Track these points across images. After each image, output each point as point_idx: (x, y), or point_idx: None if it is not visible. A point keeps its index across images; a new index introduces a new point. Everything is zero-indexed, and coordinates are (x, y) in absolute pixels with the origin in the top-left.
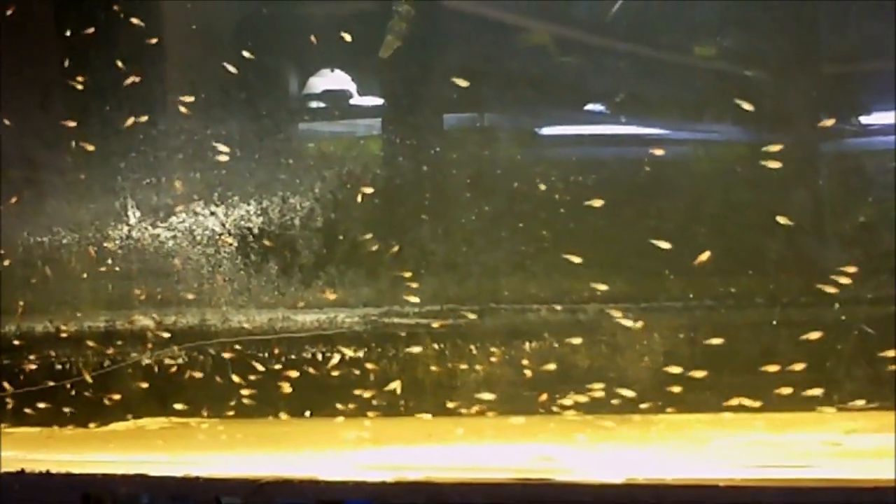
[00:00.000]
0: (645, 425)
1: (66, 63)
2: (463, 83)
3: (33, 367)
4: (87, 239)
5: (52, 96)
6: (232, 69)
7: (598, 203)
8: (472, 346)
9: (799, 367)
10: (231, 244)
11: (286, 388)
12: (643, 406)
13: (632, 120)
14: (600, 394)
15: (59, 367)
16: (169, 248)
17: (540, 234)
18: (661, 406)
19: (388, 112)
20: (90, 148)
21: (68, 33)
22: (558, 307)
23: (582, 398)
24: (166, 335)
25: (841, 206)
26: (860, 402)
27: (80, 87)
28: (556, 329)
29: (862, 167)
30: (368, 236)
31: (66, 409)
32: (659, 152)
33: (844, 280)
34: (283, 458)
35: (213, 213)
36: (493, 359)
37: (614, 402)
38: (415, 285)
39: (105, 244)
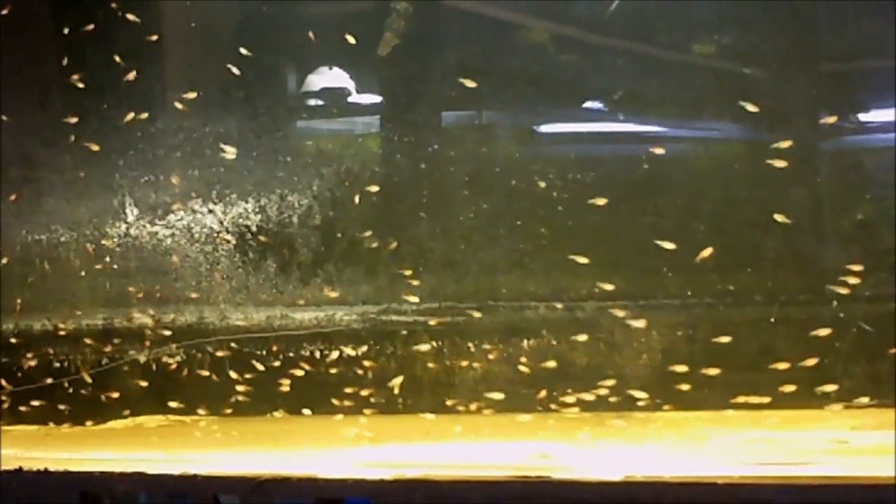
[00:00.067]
0: (643, 423)
1: (65, 61)
2: (470, 83)
3: (31, 364)
4: (85, 237)
5: (50, 94)
6: (235, 70)
7: (601, 201)
8: (471, 344)
9: (801, 364)
10: (230, 242)
11: (285, 385)
12: (641, 404)
13: (630, 118)
14: (599, 391)
15: (57, 364)
16: (167, 245)
17: (538, 231)
18: (660, 403)
19: (387, 110)
20: (88, 146)
21: (66, 31)
22: (557, 305)
23: (580, 396)
24: (165, 333)
25: (840, 203)
26: (864, 399)
27: (79, 84)
28: (554, 326)
29: (861, 165)
30: (367, 234)
31: (65, 408)
32: (659, 151)
33: (853, 279)
34: (282, 456)
35: (211, 211)
36: (491, 356)
37: (612, 399)
38: (416, 283)
39: (103, 242)
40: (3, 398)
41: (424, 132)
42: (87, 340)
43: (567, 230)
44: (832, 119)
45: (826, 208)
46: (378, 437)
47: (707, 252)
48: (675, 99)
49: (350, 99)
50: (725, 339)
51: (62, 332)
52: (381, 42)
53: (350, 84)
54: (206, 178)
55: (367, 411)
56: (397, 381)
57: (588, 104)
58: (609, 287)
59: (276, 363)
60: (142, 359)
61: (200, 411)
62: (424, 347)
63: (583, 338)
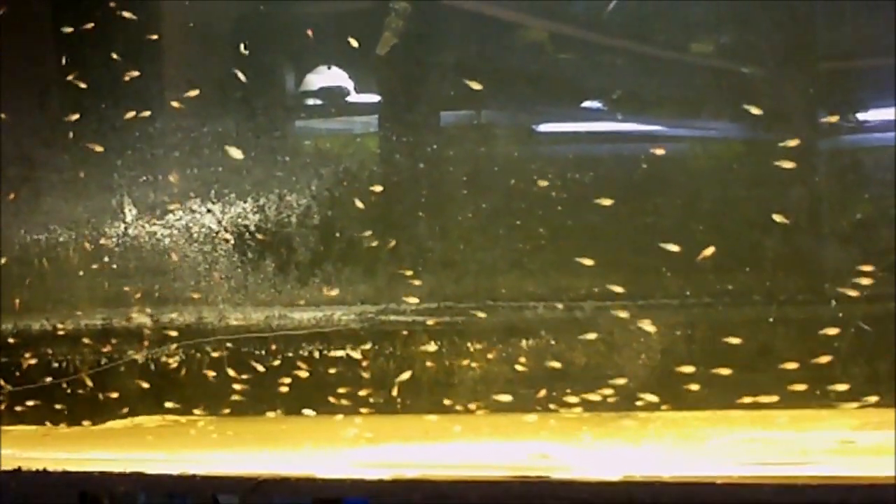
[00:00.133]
0: (642, 423)
1: (63, 60)
2: (476, 85)
3: (30, 364)
4: (83, 236)
5: (49, 94)
6: (241, 77)
7: (601, 201)
8: (470, 344)
9: (800, 364)
10: (228, 241)
11: (283, 385)
12: (640, 404)
13: (629, 117)
14: (598, 391)
15: (55, 365)
16: (166, 245)
17: (537, 231)
18: (659, 403)
19: (386, 109)
20: (88, 145)
21: (68, 30)
22: (556, 305)
23: (579, 396)
24: (171, 334)
25: (839, 202)
26: (871, 399)
27: (77, 84)
28: (553, 326)
29: (860, 164)
30: (366, 234)
31: (63, 408)
32: (660, 151)
33: (864, 280)
34: (281, 456)
35: (209, 211)
36: (490, 356)
37: (611, 399)
38: (417, 283)
39: (102, 242)
40: (2, 398)
41: (423, 132)
42: (86, 340)
43: (566, 230)
44: (832, 118)
45: (825, 208)
46: (377, 438)
47: (709, 251)
48: (674, 98)
49: (349, 98)
50: (726, 340)
51: (61, 332)
52: (379, 42)
53: (349, 84)
54: (204, 178)
55: (366, 411)
56: (405, 376)
57: (587, 103)
58: (611, 287)
59: (276, 363)
60: (140, 359)
61: (199, 411)
62: (431, 348)
63: (581, 338)
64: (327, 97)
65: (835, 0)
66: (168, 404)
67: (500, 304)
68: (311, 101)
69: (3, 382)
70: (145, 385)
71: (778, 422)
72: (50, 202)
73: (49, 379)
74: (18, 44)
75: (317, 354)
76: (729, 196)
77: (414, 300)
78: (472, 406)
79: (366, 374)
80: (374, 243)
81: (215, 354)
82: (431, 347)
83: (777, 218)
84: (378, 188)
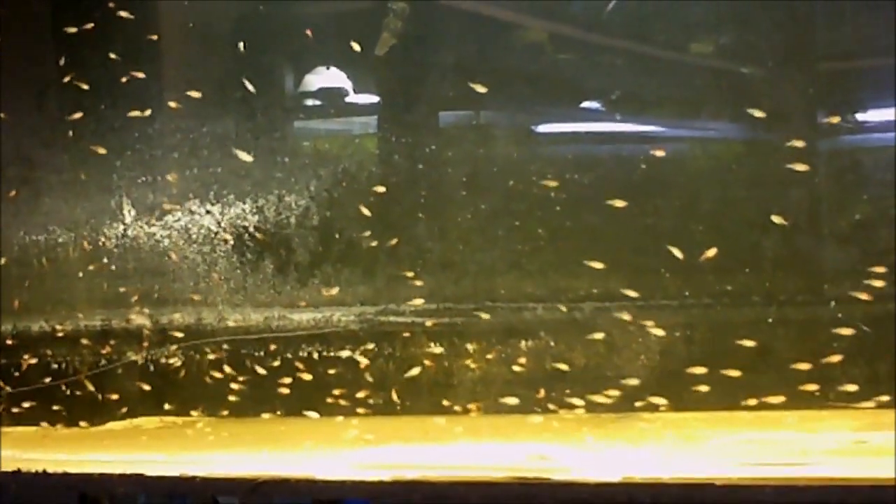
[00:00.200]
0: (642, 423)
1: (63, 60)
2: (480, 88)
3: (29, 365)
4: (83, 237)
5: (49, 94)
6: (251, 87)
7: (620, 203)
8: (469, 345)
9: (800, 364)
10: (228, 242)
11: (283, 387)
12: (640, 404)
13: (628, 117)
14: (598, 392)
15: (55, 366)
16: (165, 246)
17: (536, 232)
18: (658, 404)
19: (384, 110)
20: (91, 147)
21: (68, 31)
22: (555, 306)
23: (578, 397)
24: (162, 334)
25: (838, 203)
26: (885, 398)
27: (77, 84)
28: (552, 327)
29: (860, 164)
30: (365, 235)
31: (62, 409)
32: (660, 153)
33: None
34: (281, 458)
35: (209, 212)
36: (489, 357)
37: (610, 400)
38: (419, 283)
39: (101, 243)
40: (1, 399)
41: (422, 133)
42: (85, 341)
43: (565, 231)
44: (832, 118)
45: (825, 208)
46: (377, 439)
47: (711, 252)
48: (674, 99)
49: (348, 99)
50: (727, 340)
51: (60, 334)
52: (378, 42)
53: (347, 84)
54: (203, 179)
55: (366, 413)
56: (414, 372)
57: (586, 104)
58: (615, 289)
59: (275, 364)
60: (139, 360)
61: (198, 413)
62: (430, 349)
63: (581, 339)
64: (326, 98)
65: (834, 0)
66: (167, 406)
67: (499, 305)
68: (310, 102)
69: (2, 384)
70: (144, 386)
71: (779, 422)
72: (49, 203)
73: (48, 380)
74: (18, 44)
75: (316, 355)
76: (729, 196)
77: (420, 301)
78: (471, 407)
79: (365, 376)
80: (374, 243)
81: (214, 356)
82: (431, 348)
83: (776, 219)
84: (381, 189)
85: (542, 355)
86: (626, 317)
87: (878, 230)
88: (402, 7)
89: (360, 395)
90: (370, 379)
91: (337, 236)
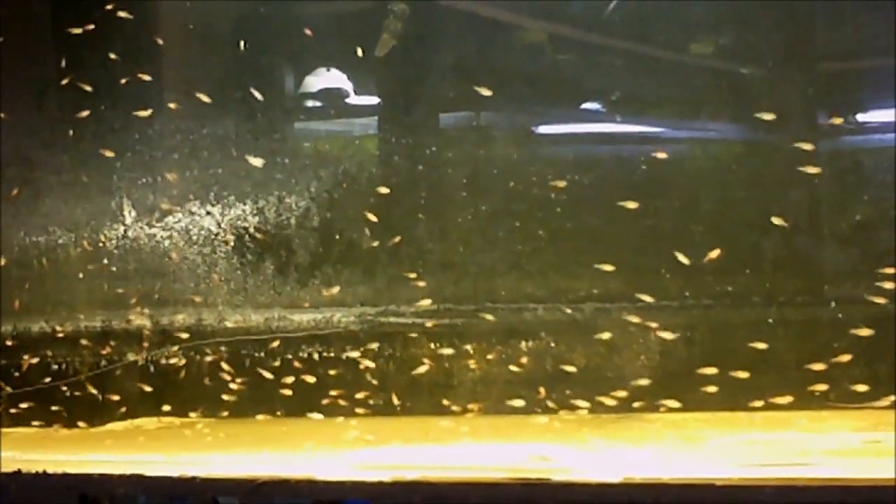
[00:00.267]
0: (642, 424)
1: (64, 61)
2: (486, 91)
3: (30, 365)
4: (83, 238)
5: (48, 94)
6: (259, 96)
7: (632, 204)
8: (469, 346)
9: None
10: (228, 243)
11: (283, 387)
12: (640, 405)
13: (628, 118)
14: (598, 393)
15: (55, 366)
16: (165, 247)
17: (536, 232)
18: (658, 405)
19: (385, 111)
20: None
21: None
22: (556, 306)
23: (579, 397)
24: (162, 335)
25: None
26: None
27: (79, 85)
28: (552, 328)
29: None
30: (365, 236)
31: (62, 410)
32: (661, 156)
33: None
34: (281, 458)
35: (209, 213)
36: (489, 357)
37: (611, 402)
38: (421, 285)
39: (101, 243)
40: (1, 400)
41: (422, 133)
42: (85, 342)
43: (565, 232)
44: (835, 119)
45: (825, 209)
46: (377, 439)
47: (715, 253)
48: (674, 99)
49: (348, 100)
50: (723, 341)
51: (60, 334)
52: (378, 43)
53: (348, 85)
54: (203, 180)
55: (366, 413)
56: (421, 370)
57: (586, 105)
58: (613, 288)
59: (275, 364)
60: (140, 361)
61: (198, 413)
62: (431, 349)
63: (581, 339)
64: (327, 99)
65: (835, 0)
66: (167, 406)
67: (499, 306)
68: (310, 103)
69: (2, 384)
70: (144, 387)
71: (780, 423)
72: (49, 204)
73: (48, 380)
74: (18, 44)
75: (316, 356)
76: (729, 197)
77: (427, 302)
78: (471, 407)
79: (366, 376)
80: (375, 244)
81: (215, 357)
82: (431, 349)
83: (777, 220)
84: (384, 190)
85: (542, 356)
86: (627, 317)
87: (880, 231)
88: (402, 8)
89: (360, 395)
90: (370, 379)
91: (337, 237)
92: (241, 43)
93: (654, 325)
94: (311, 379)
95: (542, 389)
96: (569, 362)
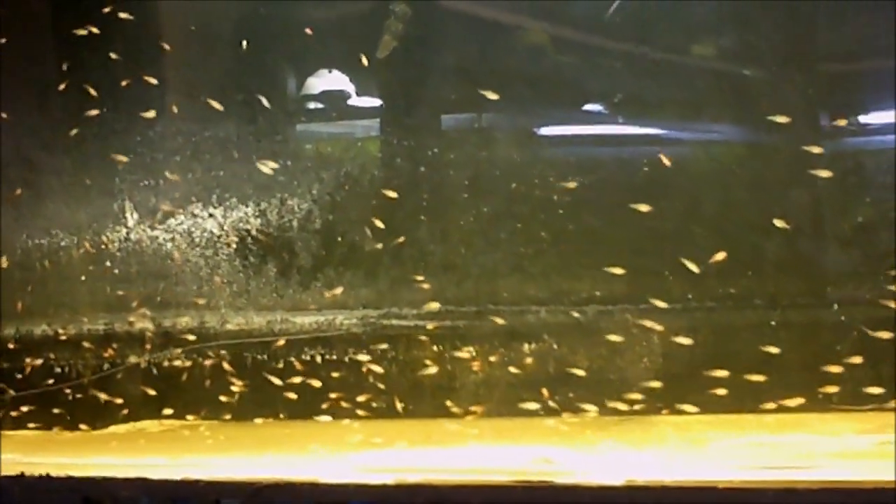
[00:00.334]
0: (645, 427)
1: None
2: (493, 95)
3: (32, 368)
4: (85, 241)
5: (51, 96)
6: (266, 103)
7: (644, 207)
8: (472, 348)
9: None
10: (231, 246)
11: (285, 390)
12: (642, 407)
13: (631, 120)
14: (602, 395)
15: (58, 369)
16: (167, 250)
17: (538, 234)
18: (660, 407)
19: (386, 113)
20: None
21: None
22: (558, 308)
23: (582, 400)
24: (165, 337)
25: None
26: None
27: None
28: (555, 330)
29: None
30: (367, 238)
31: (64, 413)
32: (666, 162)
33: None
34: (284, 461)
35: (211, 216)
36: (492, 360)
37: (613, 404)
38: (426, 287)
39: (103, 246)
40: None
41: (424, 135)
42: (87, 345)
43: (567, 234)
44: (840, 122)
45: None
46: (380, 442)
47: (720, 256)
48: (676, 101)
49: (350, 102)
50: (725, 344)
51: (63, 337)
52: (379, 45)
53: (349, 87)
54: (205, 183)
55: (369, 416)
56: (427, 372)
57: (588, 106)
58: (616, 290)
59: (278, 366)
60: (142, 364)
61: (201, 416)
62: (433, 352)
63: (584, 341)
64: (328, 101)
65: (837, 1)
66: (169, 409)
67: (501, 308)
68: (312, 105)
69: (4, 387)
70: (147, 390)
71: (783, 425)
72: (52, 206)
73: (51, 381)
74: (19, 44)
75: (319, 359)
76: (731, 199)
77: (435, 305)
78: (474, 410)
79: (368, 378)
80: (378, 246)
81: (217, 359)
82: (434, 351)
83: (779, 223)
84: (392, 194)
85: (545, 358)
86: (630, 319)
87: (881, 233)
88: (404, 10)
89: (362, 398)
90: (372, 382)
91: (339, 239)
92: (244, 42)
93: (656, 327)
94: (312, 380)
95: (544, 392)
96: (572, 364)
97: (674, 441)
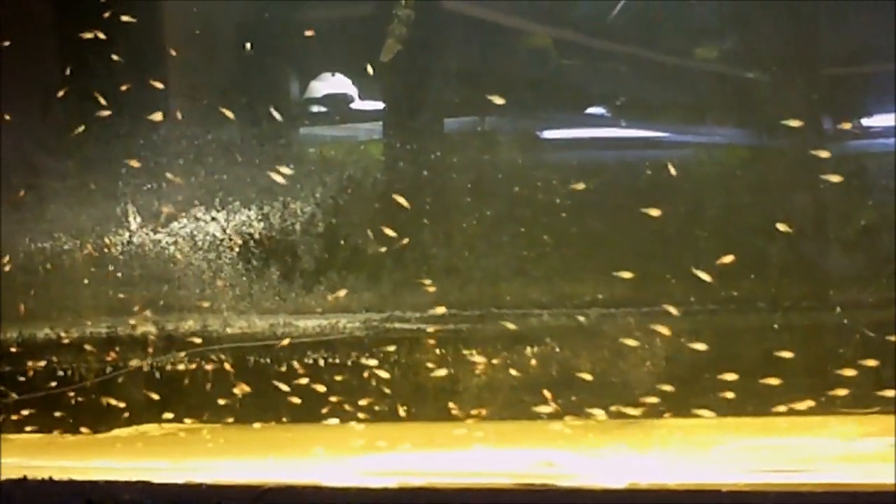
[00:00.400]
0: (648, 430)
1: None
2: (500, 100)
3: (35, 371)
4: (88, 244)
5: (54, 99)
6: (277, 116)
7: (655, 212)
8: (474, 351)
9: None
10: (233, 249)
11: (288, 393)
12: (643, 411)
13: (633, 123)
14: (605, 398)
15: (60, 373)
16: (170, 253)
17: (541, 238)
18: (661, 411)
19: (389, 116)
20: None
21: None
22: (561, 312)
23: (584, 403)
24: (167, 341)
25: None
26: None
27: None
28: (557, 333)
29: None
30: (369, 241)
31: (67, 416)
32: (673, 171)
33: None
34: (287, 464)
35: (214, 219)
36: (495, 363)
37: (616, 407)
38: (432, 290)
39: (106, 250)
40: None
41: (427, 139)
42: (89, 348)
43: (570, 237)
44: (842, 124)
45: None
46: (382, 445)
47: (728, 259)
48: (679, 104)
49: (353, 105)
50: (727, 347)
51: (66, 341)
52: (383, 48)
53: (353, 90)
54: (208, 186)
55: (372, 419)
56: (432, 375)
57: (591, 110)
58: (618, 294)
59: (281, 369)
60: (145, 367)
61: (203, 419)
62: (436, 355)
63: (586, 345)
64: (331, 104)
65: (839, 2)
66: (172, 412)
67: (504, 312)
68: (315, 109)
69: (6, 390)
70: (149, 393)
71: (786, 428)
72: (55, 209)
73: (54, 384)
74: (22, 48)
75: (322, 362)
76: (733, 202)
77: (442, 310)
78: (476, 413)
79: (371, 382)
80: (383, 249)
81: (219, 362)
82: (436, 355)
83: (782, 227)
84: (381, 194)
85: (547, 361)
86: (632, 323)
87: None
88: (407, 13)
89: (364, 402)
90: (375, 385)
91: (342, 243)
92: (248, 45)
93: (660, 330)
94: (315, 383)
95: (547, 395)
96: (574, 367)
97: (677, 444)
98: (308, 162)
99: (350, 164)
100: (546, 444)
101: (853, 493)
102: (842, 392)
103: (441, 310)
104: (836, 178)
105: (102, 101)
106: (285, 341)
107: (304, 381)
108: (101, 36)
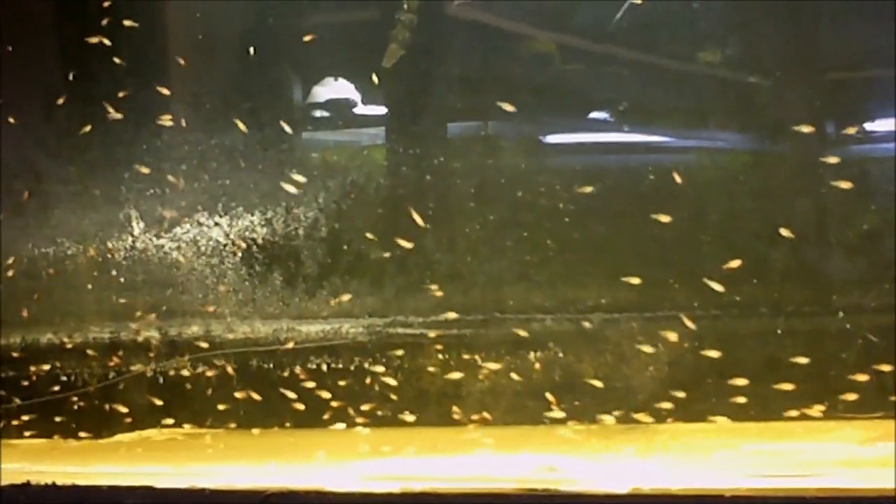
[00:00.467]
0: (650, 435)
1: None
2: (509, 107)
3: (38, 376)
4: (91, 249)
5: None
6: (288, 129)
7: (665, 218)
8: (477, 356)
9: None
10: (236, 254)
11: (291, 398)
12: (646, 415)
13: (636, 128)
14: (607, 403)
15: (63, 378)
16: (173, 258)
17: (544, 242)
18: (665, 416)
19: (392, 121)
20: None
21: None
22: (564, 317)
23: (587, 408)
24: (170, 346)
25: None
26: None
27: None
28: (560, 338)
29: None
30: (372, 246)
31: (69, 421)
32: (678, 179)
33: None
34: (290, 469)
35: (217, 224)
36: (497, 368)
37: (620, 411)
38: (436, 295)
39: (109, 254)
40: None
41: (430, 144)
42: (92, 353)
43: (573, 242)
44: (847, 129)
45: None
46: (385, 450)
47: (735, 263)
48: (681, 109)
49: (356, 110)
50: (728, 352)
51: (69, 346)
52: (385, 53)
53: (355, 95)
54: (211, 191)
55: (375, 424)
56: (455, 376)
57: (594, 115)
58: (622, 298)
59: (284, 374)
60: (148, 372)
61: (206, 424)
62: (438, 360)
63: (589, 350)
64: (334, 109)
65: (842, 6)
66: (174, 418)
67: (507, 317)
68: (318, 114)
69: (8, 395)
70: (152, 398)
71: (788, 433)
72: (58, 214)
73: (56, 388)
74: (25, 51)
75: (325, 367)
76: (736, 207)
77: (453, 315)
78: (479, 418)
79: (374, 387)
80: (379, 255)
81: (222, 367)
82: (439, 360)
83: (784, 232)
84: (383, 199)
85: (550, 366)
86: (635, 327)
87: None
88: (410, 18)
89: (367, 407)
90: (378, 390)
91: (345, 248)
92: (251, 50)
93: (663, 335)
94: (317, 388)
95: (550, 400)
96: (577, 372)
97: (679, 449)
98: (311, 167)
99: (353, 168)
100: (549, 448)
101: (855, 498)
102: (845, 396)
103: (451, 315)
104: (845, 185)
105: (106, 106)
106: (289, 344)
107: (308, 385)
108: (106, 42)
